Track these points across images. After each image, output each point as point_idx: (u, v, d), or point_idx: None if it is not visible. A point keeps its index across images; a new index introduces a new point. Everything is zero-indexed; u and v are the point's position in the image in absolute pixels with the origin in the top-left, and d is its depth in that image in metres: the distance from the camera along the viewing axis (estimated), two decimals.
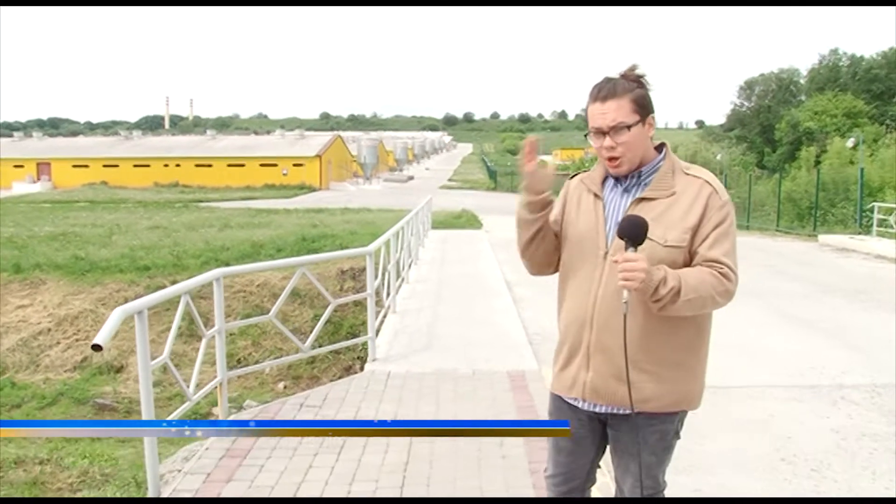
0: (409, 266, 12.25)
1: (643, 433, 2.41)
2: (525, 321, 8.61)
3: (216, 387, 5.24)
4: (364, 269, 8.65)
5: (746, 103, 62.38)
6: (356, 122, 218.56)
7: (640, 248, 2.23)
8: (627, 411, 2.37)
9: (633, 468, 2.45)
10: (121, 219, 27.86)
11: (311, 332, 15.13)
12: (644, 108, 2.36)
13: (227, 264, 17.82)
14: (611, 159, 2.39)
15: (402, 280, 11.13)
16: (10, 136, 75.13)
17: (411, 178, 69.06)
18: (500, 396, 5.63)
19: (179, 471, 4.45)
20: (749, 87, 62.65)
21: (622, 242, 2.25)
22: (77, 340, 15.36)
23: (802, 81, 62.24)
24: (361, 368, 7.21)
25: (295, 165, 55.34)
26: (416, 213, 14.70)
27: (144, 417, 4.01)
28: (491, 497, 4.02)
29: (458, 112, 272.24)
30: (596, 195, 2.47)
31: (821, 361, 7.09)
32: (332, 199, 40.28)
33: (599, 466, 2.72)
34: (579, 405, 2.50)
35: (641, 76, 2.38)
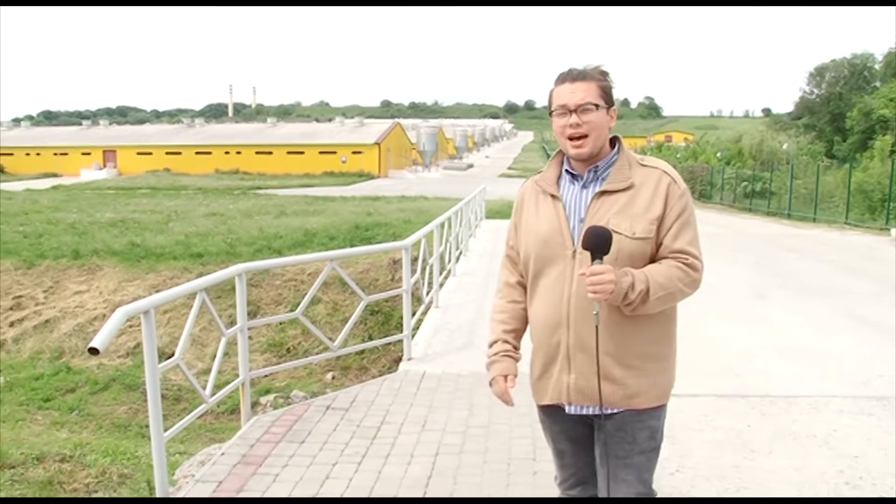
0: (458, 258, 11.92)
1: (632, 431, 2.40)
2: None
3: (238, 387, 5.01)
4: (416, 259, 8.37)
5: (816, 90, 60.11)
6: (417, 110, 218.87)
7: (608, 251, 2.25)
8: (615, 410, 2.38)
9: (621, 471, 2.41)
10: (180, 205, 28.19)
11: (361, 321, 14.99)
12: (609, 97, 2.42)
13: (280, 252, 17.89)
14: (574, 139, 2.39)
15: (448, 273, 10.81)
16: (79, 124, 77.09)
17: (471, 165, 68.65)
18: None
19: (193, 476, 4.24)
20: (819, 73, 60.35)
21: (587, 254, 2.25)
22: (130, 327, 15.45)
23: (877, 67, 59.64)
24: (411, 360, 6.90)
25: (354, 153, 55.46)
26: (466, 203, 14.34)
27: (152, 425, 3.79)
28: (491, 497, 3.88)
29: (519, 100, 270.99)
30: (553, 196, 2.47)
31: (892, 370, 6.55)
32: (390, 187, 40.17)
33: None
34: (566, 409, 2.45)
35: (606, 73, 2.44)
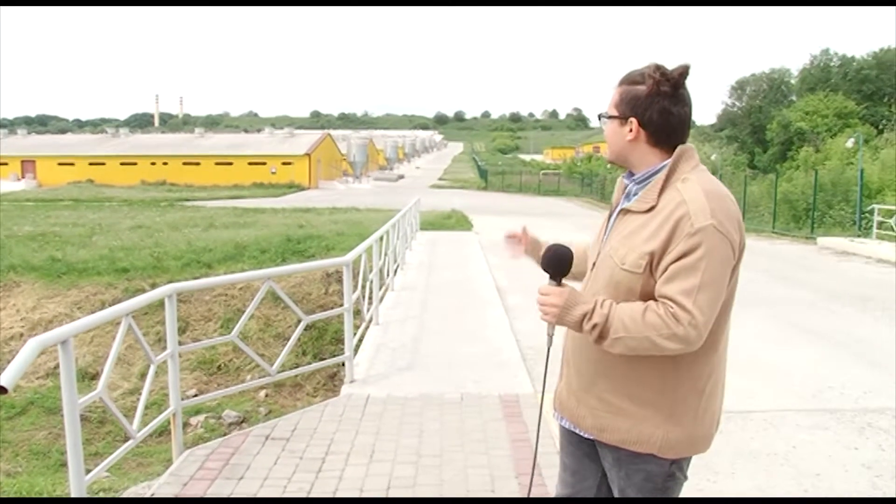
0: (395, 272, 11.61)
1: (626, 469, 2.19)
2: (518, 334, 7.99)
3: (170, 417, 4.61)
4: (356, 274, 8.03)
5: (738, 103, 62.14)
6: (347, 121, 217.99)
7: (567, 271, 2.16)
8: (587, 435, 2.25)
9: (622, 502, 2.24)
10: (104, 218, 27.14)
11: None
12: (628, 107, 2.14)
13: (210, 266, 17.29)
14: None
15: (387, 288, 10.50)
16: None
17: (401, 176, 68.50)
18: (492, 427, 5.00)
19: None
20: (740, 86, 62.38)
21: (596, 269, 2.20)
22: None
23: (793, 82, 62.03)
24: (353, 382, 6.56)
25: (284, 164, 54.68)
26: (402, 216, 14.06)
27: (71, 469, 3.38)
28: (491, 497, 3.80)
29: (450, 111, 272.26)
30: (612, 205, 2.31)
31: (840, 380, 6.51)
32: (321, 198, 39.62)
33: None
34: (556, 419, 2.39)
35: (657, 77, 2.09)
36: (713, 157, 42.45)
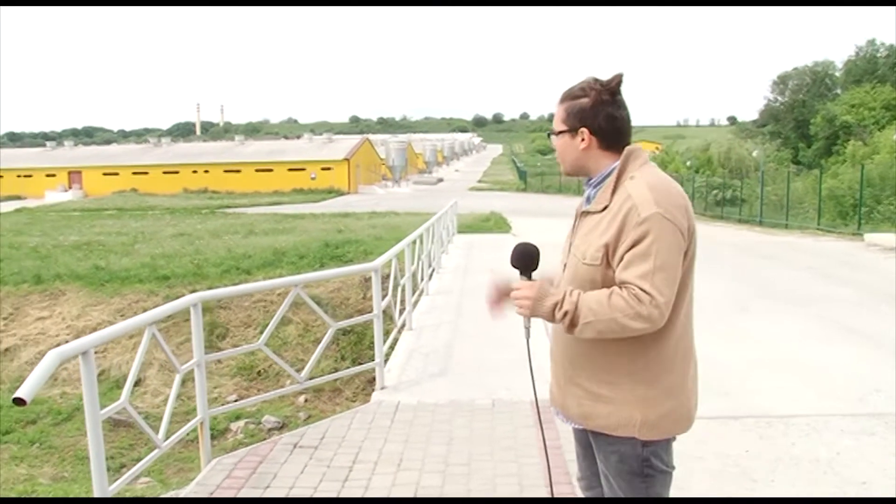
0: (431, 276, 11.55)
1: (603, 452, 2.36)
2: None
3: (198, 425, 4.61)
4: (389, 276, 7.99)
5: (780, 98, 60.85)
6: (386, 125, 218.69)
7: (535, 267, 2.31)
8: (576, 425, 2.41)
9: (608, 490, 2.40)
10: (146, 226, 27.58)
11: (332, 342, 14.53)
12: (577, 119, 2.34)
13: (249, 273, 17.43)
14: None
15: (421, 292, 10.43)
16: (44, 145, 75.84)
17: (441, 180, 68.47)
18: (522, 434, 4.91)
19: None
20: (782, 81, 61.11)
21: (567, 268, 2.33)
22: (96, 352, 14.94)
23: (838, 74, 60.53)
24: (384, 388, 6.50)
25: (323, 169, 55.07)
26: (438, 219, 14.00)
27: (94, 480, 3.38)
28: (492, 497, 3.79)
29: (488, 113, 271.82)
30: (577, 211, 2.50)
31: (887, 383, 6.27)
32: (360, 203, 39.78)
33: None
34: (554, 413, 2.52)
35: (596, 88, 2.32)
36: (755, 154, 41.69)
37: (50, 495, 5.31)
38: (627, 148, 2.34)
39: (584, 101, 2.32)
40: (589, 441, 2.45)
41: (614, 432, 2.29)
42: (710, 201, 33.15)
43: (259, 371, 13.73)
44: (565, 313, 2.18)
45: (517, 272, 2.33)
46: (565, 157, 2.40)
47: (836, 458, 4.71)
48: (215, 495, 4.03)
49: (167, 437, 4.22)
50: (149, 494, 5.57)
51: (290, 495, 4.05)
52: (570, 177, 2.48)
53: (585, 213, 2.37)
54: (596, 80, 2.33)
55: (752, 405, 5.75)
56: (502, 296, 2.39)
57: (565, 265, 2.40)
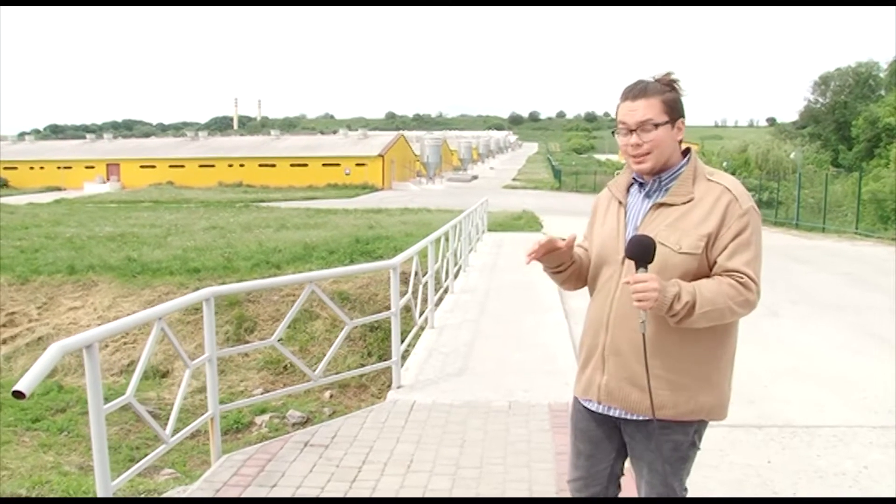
0: (457, 274, 11.47)
1: (657, 441, 2.40)
2: (576, 339, 7.75)
3: (208, 421, 4.57)
4: (417, 272, 7.92)
5: (821, 99, 59.69)
6: (421, 122, 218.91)
7: (652, 259, 2.25)
8: (641, 417, 2.41)
9: (646, 474, 2.47)
10: (180, 219, 27.83)
11: (360, 338, 14.51)
12: (674, 110, 2.39)
13: (279, 267, 17.47)
14: (636, 156, 2.40)
15: (445, 290, 10.36)
16: (84, 137, 77.06)
17: (475, 177, 68.32)
18: (537, 438, 4.81)
19: None
20: (824, 82, 59.92)
21: (633, 263, 2.26)
22: (125, 344, 15.11)
23: (882, 75, 59.17)
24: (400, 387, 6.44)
25: (357, 165, 55.20)
26: (466, 216, 13.90)
27: (97, 473, 3.35)
28: (493, 497, 3.77)
29: (524, 111, 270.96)
30: (620, 202, 2.51)
31: None
32: (394, 199, 39.80)
33: (623, 474, 2.67)
34: (593, 408, 2.52)
35: (674, 81, 2.41)
36: (792, 156, 40.92)
37: (61, 489, 5.33)
38: (687, 146, 2.48)
39: (675, 94, 2.40)
40: (612, 434, 2.53)
41: (685, 418, 2.39)
42: None
43: (285, 366, 13.76)
44: (685, 303, 2.23)
45: (633, 263, 2.28)
46: (664, 148, 2.39)
47: (864, 471, 4.55)
48: (221, 492, 4.00)
49: (178, 432, 4.19)
50: (172, 486, 5.56)
51: (297, 495, 3.99)
52: (649, 174, 2.44)
53: (660, 205, 2.39)
54: (666, 76, 2.41)
55: (776, 414, 5.60)
56: (546, 251, 2.47)
57: (623, 258, 2.38)
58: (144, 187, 52.66)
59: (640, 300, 2.20)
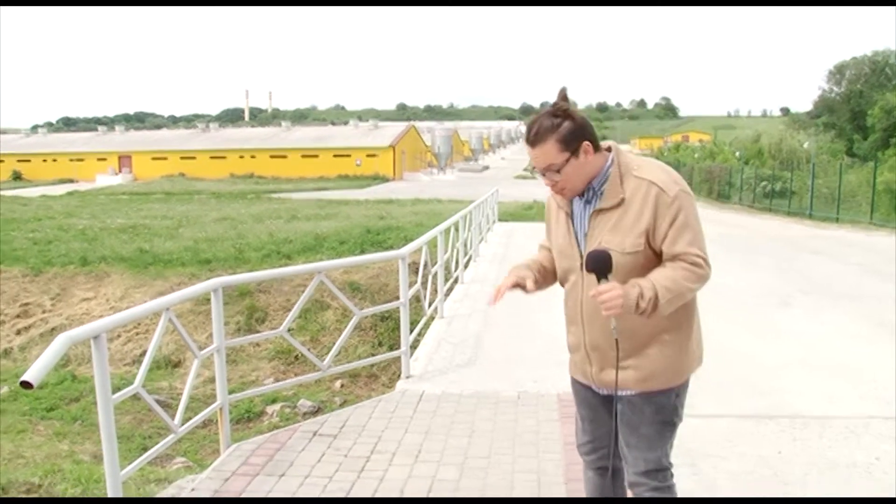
0: (467, 264, 11.45)
1: (640, 406, 2.61)
2: None
3: (217, 410, 4.59)
4: (427, 262, 7.91)
5: (836, 88, 59.05)
6: (432, 113, 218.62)
7: (612, 269, 2.41)
8: (629, 392, 2.61)
9: (633, 441, 2.64)
10: (192, 210, 27.91)
11: (371, 327, 14.50)
12: (572, 141, 2.46)
13: (289, 257, 17.51)
14: (555, 191, 2.60)
15: (455, 280, 10.34)
16: (96, 130, 77.38)
17: (486, 167, 68.25)
18: (545, 428, 4.80)
19: None
20: (839, 71, 59.28)
21: (593, 276, 2.42)
22: (137, 334, 15.18)
23: None
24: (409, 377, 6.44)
25: (368, 156, 55.26)
26: (477, 206, 13.87)
27: (106, 462, 3.37)
28: (495, 497, 3.79)
29: (535, 101, 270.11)
30: (566, 212, 2.65)
31: None
32: (405, 190, 39.80)
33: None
34: (592, 387, 2.73)
35: (566, 107, 2.47)
36: (806, 145, 40.63)
37: (73, 476, 5.36)
38: (607, 144, 2.60)
39: (566, 122, 2.46)
40: (606, 402, 2.71)
41: (662, 387, 2.59)
42: (759, 193, 32.41)
43: (296, 356, 13.79)
44: (649, 299, 2.39)
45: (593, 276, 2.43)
46: (578, 178, 2.51)
47: (875, 463, 4.50)
48: (230, 482, 4.00)
49: (188, 421, 4.21)
50: (182, 475, 5.59)
51: (305, 484, 4.00)
52: (570, 198, 2.61)
53: (599, 211, 2.53)
54: (557, 102, 2.49)
55: (787, 404, 5.55)
56: (505, 291, 2.74)
57: (581, 263, 2.55)
58: (156, 179, 52.91)
59: (607, 308, 2.36)
